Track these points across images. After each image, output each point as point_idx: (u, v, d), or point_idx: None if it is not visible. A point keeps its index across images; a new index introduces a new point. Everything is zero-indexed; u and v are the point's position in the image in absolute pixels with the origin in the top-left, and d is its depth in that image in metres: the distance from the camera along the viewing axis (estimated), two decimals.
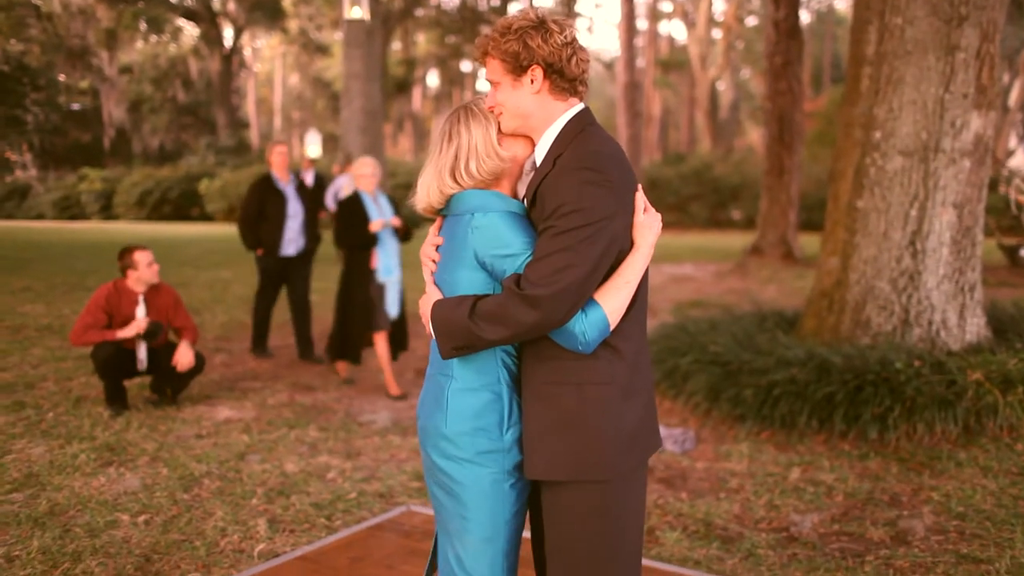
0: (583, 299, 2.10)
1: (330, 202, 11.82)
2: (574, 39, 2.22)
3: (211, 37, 39.07)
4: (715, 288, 13.37)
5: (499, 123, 2.32)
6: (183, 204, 35.01)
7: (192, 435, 5.87)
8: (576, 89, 2.26)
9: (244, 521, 4.41)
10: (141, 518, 4.44)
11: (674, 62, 41.09)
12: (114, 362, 6.23)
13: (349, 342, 7.25)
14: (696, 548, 4.12)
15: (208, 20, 38.09)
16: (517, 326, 2.08)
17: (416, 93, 52.39)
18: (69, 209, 37.96)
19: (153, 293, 6.44)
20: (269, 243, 8.26)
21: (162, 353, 6.46)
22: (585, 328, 2.12)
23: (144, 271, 6.32)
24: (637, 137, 25.38)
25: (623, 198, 2.14)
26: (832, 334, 6.47)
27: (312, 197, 8.59)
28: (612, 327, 2.15)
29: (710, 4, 35.93)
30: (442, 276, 2.31)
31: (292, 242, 8.34)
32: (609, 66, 49.16)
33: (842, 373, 5.59)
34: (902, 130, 6.20)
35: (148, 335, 6.26)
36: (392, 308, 7.12)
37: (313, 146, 13.39)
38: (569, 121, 2.24)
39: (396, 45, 46.77)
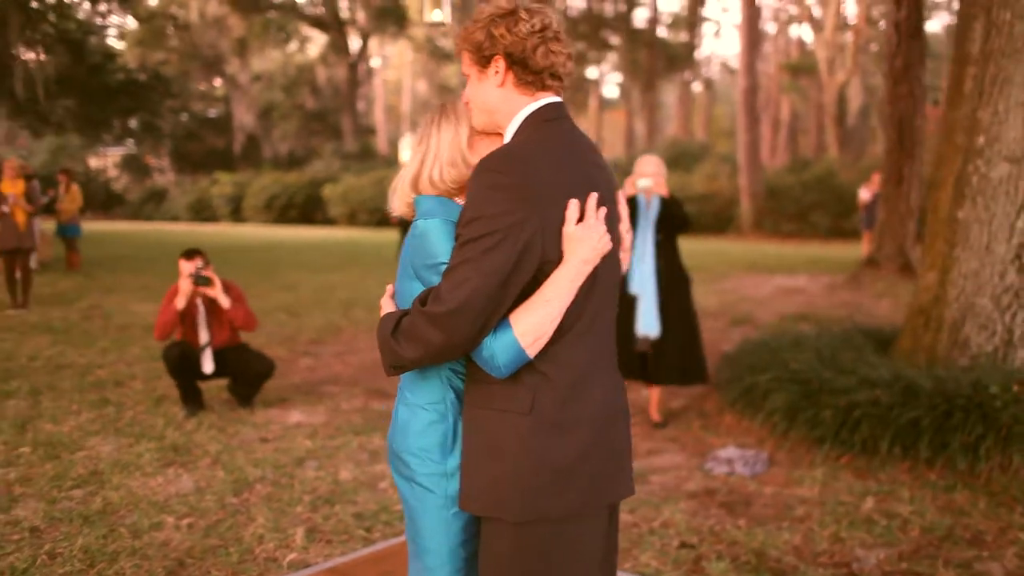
0: (492, 317, 1.89)
1: None
2: (545, 29, 2.01)
3: (338, 45, 40.11)
4: (825, 301, 12.80)
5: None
6: (308, 208, 36.04)
7: (257, 439, 5.91)
8: (544, 82, 2.05)
9: (284, 529, 4.37)
10: (185, 521, 4.46)
11: (802, 66, 39.82)
12: (184, 363, 6.34)
13: None
14: None
15: (335, 28, 39.11)
16: (427, 345, 1.90)
17: None
18: (202, 211, 39.64)
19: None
20: None
21: (229, 356, 6.54)
22: (494, 351, 1.92)
23: (182, 279, 6.35)
24: (755, 143, 24.64)
25: (537, 204, 1.89)
26: (928, 354, 6.02)
27: None
28: (531, 351, 1.91)
29: (838, 6, 34.64)
30: (397, 287, 2.18)
31: None
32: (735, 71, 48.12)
33: (930, 396, 5.18)
34: (1009, 134, 5.72)
35: (197, 281, 6.29)
36: (642, 325, 6.14)
37: (407, 150, 13.45)
38: (528, 117, 2.04)
39: None
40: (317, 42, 43.04)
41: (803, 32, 44.82)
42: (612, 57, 49.02)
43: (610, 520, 2.16)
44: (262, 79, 43.56)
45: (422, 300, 1.93)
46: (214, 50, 36.34)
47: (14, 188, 11.39)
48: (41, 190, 15.91)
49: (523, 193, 1.88)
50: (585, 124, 55.93)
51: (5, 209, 11.16)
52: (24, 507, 4.64)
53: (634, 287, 6.16)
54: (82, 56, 23.59)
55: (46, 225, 16.65)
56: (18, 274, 11.40)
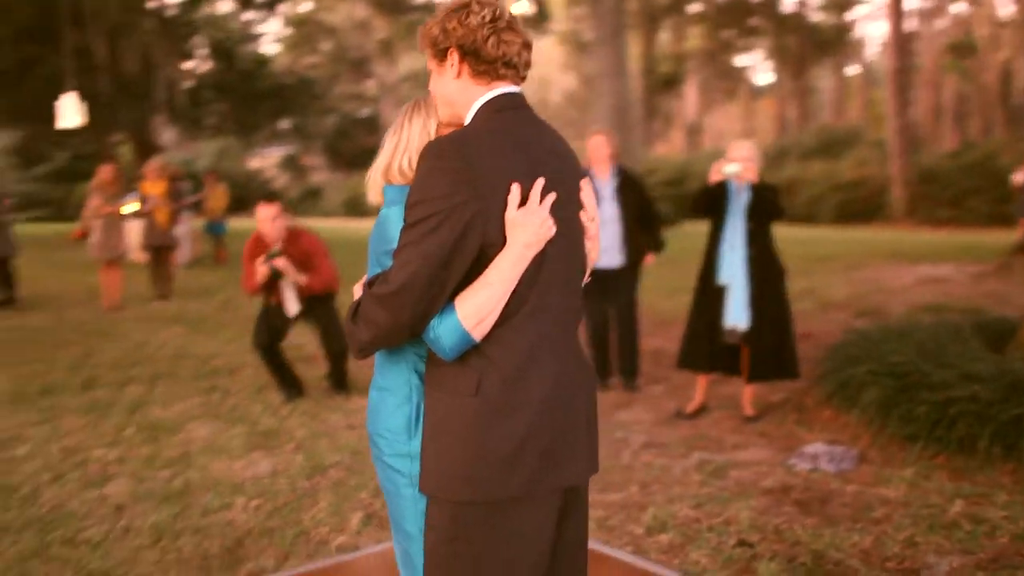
0: (436, 298, 1.91)
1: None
2: (496, 19, 2.05)
3: None
4: (968, 291, 12.01)
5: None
6: None
7: (344, 425, 6.06)
8: (498, 72, 2.07)
9: (343, 514, 4.46)
10: (254, 503, 4.62)
11: (963, 45, 37.52)
12: (273, 348, 6.60)
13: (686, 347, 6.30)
14: None
15: None
16: (376, 327, 1.94)
17: (691, 89, 51.40)
18: (355, 208, 41.00)
19: (291, 240, 6.58)
20: None
21: (317, 307, 6.72)
22: (439, 334, 1.95)
23: (261, 224, 6.46)
24: (908, 127, 23.34)
25: (478, 187, 1.91)
26: None
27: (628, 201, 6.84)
28: (475, 333, 1.93)
29: None
30: (368, 275, 2.23)
31: (608, 252, 6.63)
32: None
33: None
34: None
35: (273, 275, 6.47)
36: (731, 316, 5.94)
37: None
38: (481, 106, 2.08)
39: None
40: None
41: (962, 9, 42.17)
42: (762, 44, 47.51)
43: (569, 506, 2.13)
44: (410, 79, 44.67)
45: (370, 283, 2.00)
46: (361, 52, 37.48)
47: (156, 189, 12.09)
48: (193, 190, 16.88)
49: (464, 176, 1.91)
50: (735, 113, 54.55)
51: (148, 209, 11.86)
52: (115, 485, 4.92)
53: (723, 277, 5.95)
54: (233, 63, 24.81)
55: (195, 223, 17.61)
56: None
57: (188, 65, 25.39)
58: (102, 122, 22.08)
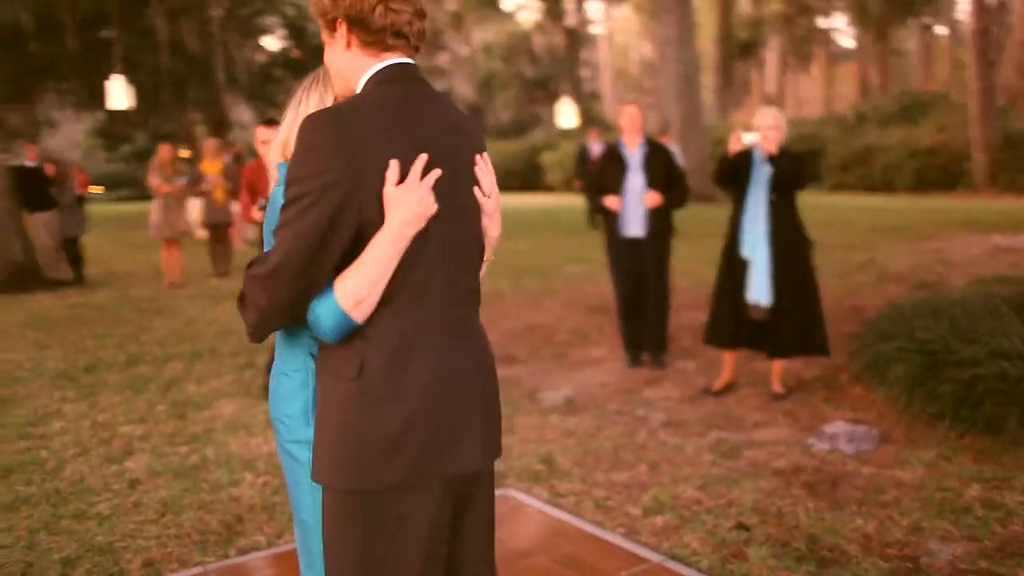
0: (314, 279, 1.87)
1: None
2: None
3: (554, 11, 40.25)
4: None
5: None
6: (528, 175, 36.57)
7: None
8: (387, 42, 1.99)
9: None
10: (261, 479, 4.69)
11: None
12: None
13: (711, 323, 6.17)
14: (779, 570, 3.55)
15: None
16: (258, 308, 1.91)
17: (770, 55, 50.11)
18: None
19: None
20: (608, 221, 6.94)
21: None
22: (319, 315, 1.90)
23: (262, 149, 5.98)
24: (990, 90, 22.27)
25: (352, 163, 1.84)
26: None
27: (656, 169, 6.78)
28: (355, 315, 1.87)
29: None
30: None
31: (634, 220, 6.74)
32: None
33: None
34: None
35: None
36: (753, 291, 5.81)
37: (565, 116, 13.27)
38: (370, 78, 2.00)
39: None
40: (534, 10, 43.39)
41: None
42: (843, 5, 45.99)
43: (467, 495, 2.06)
44: (482, 50, 44.65)
45: (250, 264, 1.96)
46: (432, 25, 37.51)
47: (213, 168, 12.33)
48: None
49: (337, 152, 1.85)
50: (816, 78, 53.02)
51: (206, 187, 12.11)
52: (135, 460, 5.05)
53: (745, 250, 5.80)
54: (303, 40, 25.08)
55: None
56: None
57: (261, 42, 25.72)
58: (173, 102, 22.61)
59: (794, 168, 5.67)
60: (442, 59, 44.52)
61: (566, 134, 37.90)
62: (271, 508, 4.31)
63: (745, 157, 5.77)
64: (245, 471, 4.80)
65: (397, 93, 1.98)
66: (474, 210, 2.07)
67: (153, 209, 11.77)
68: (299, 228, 1.83)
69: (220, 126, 25.24)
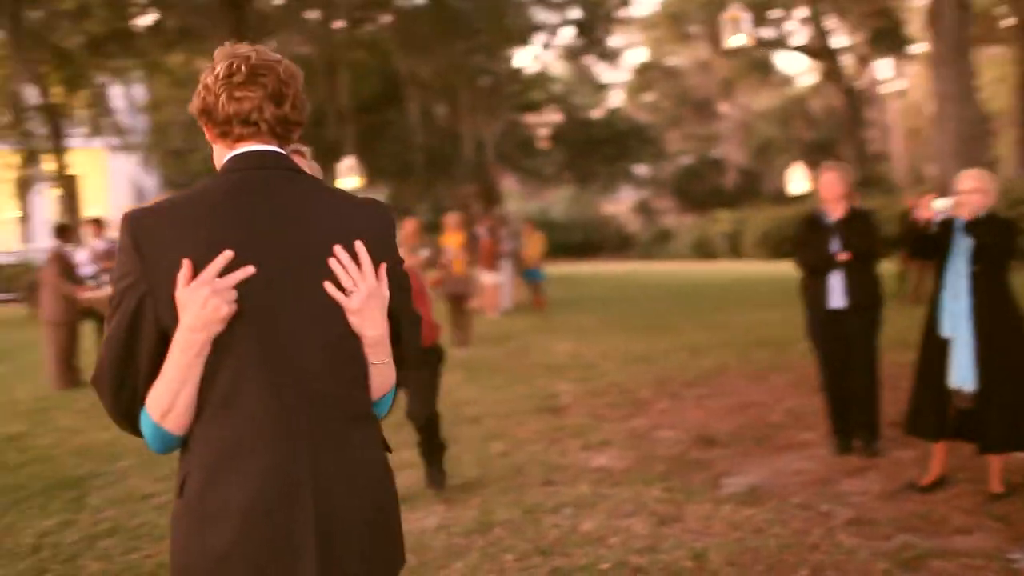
0: (134, 388, 1.82)
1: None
2: (232, 73, 1.87)
3: (833, 73, 38.79)
4: None
5: None
6: None
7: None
8: (234, 131, 1.91)
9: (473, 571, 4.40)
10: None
11: None
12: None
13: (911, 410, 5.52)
14: None
15: (827, 56, 37.90)
16: (107, 412, 1.89)
17: None
18: (703, 249, 40.71)
19: None
20: (812, 292, 6.45)
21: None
22: (141, 424, 1.83)
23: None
24: None
25: (146, 264, 1.78)
26: None
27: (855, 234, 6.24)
28: (168, 425, 1.78)
29: None
30: None
31: (835, 293, 6.24)
32: None
33: None
34: None
35: None
36: (956, 376, 5.14)
37: (798, 181, 12.55)
38: (221, 169, 1.94)
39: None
40: (809, 73, 42.07)
41: None
42: None
43: None
44: (757, 115, 43.81)
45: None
46: (704, 92, 37.41)
47: (454, 241, 12.88)
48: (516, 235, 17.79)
49: (136, 254, 1.80)
50: None
51: (447, 261, 12.66)
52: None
53: (946, 330, 5.14)
54: (570, 114, 25.89)
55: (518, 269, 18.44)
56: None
57: (529, 119, 26.83)
58: (445, 176, 24.05)
59: (1000, 236, 4.98)
60: (717, 126, 44.19)
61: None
62: None
63: (943, 226, 5.15)
64: None
65: (229, 184, 1.88)
66: (326, 307, 1.87)
67: None
68: (109, 334, 1.81)
69: (490, 197, 26.48)
